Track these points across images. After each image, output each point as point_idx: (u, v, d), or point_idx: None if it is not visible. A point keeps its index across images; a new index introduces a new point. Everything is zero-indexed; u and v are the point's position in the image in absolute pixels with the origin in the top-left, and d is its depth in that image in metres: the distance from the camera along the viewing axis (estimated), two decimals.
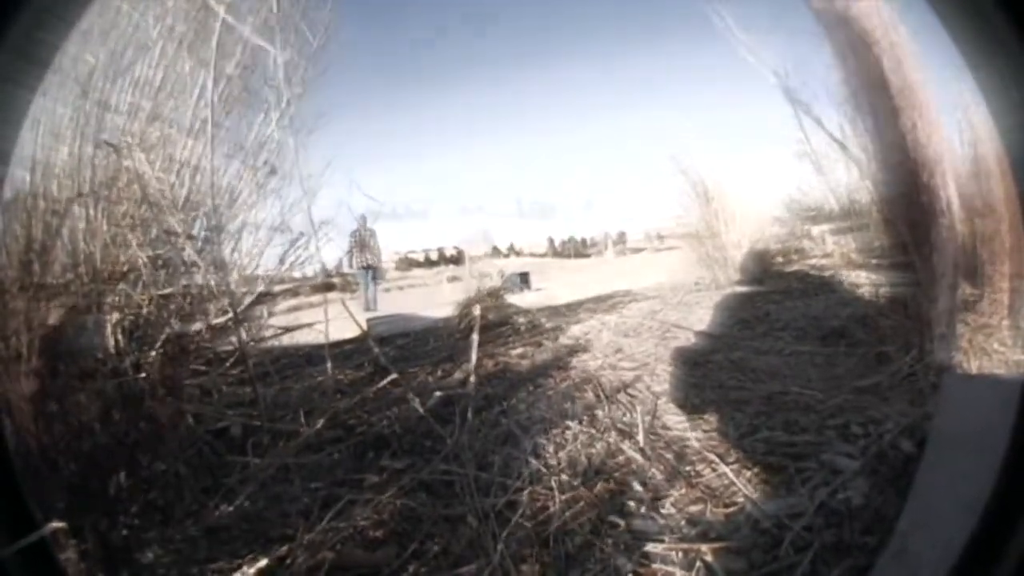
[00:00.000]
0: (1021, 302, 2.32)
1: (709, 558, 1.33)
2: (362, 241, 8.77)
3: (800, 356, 2.84)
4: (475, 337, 2.90)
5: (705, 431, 2.07)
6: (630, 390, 2.61)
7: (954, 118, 2.51)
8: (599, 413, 2.35)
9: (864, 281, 4.08)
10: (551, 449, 2.07)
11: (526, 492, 1.76)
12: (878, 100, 2.47)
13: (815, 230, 5.63)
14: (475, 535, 1.59)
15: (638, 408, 2.35)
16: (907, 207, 2.41)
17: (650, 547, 1.42)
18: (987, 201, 2.38)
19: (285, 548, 1.59)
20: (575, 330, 4.10)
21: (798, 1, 2.69)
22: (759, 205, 5.74)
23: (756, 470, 1.71)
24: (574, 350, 3.48)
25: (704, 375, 2.72)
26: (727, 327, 3.68)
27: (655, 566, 1.35)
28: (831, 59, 2.66)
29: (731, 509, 1.53)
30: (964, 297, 2.37)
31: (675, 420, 2.22)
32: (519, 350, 3.64)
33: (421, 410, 2.07)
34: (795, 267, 5.35)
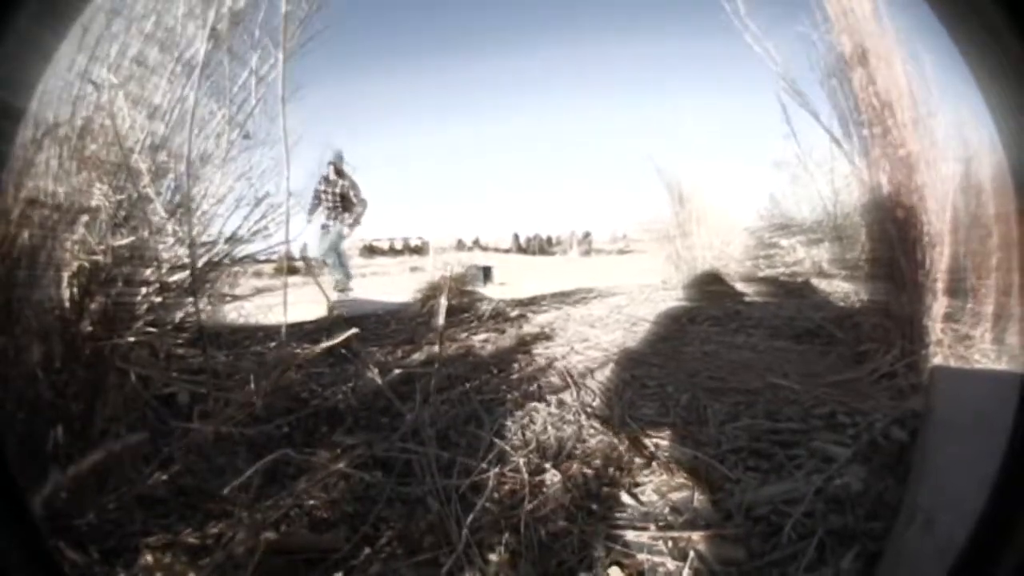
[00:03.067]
0: (1006, 319, 2.31)
1: (702, 547, 1.19)
2: (339, 191, 6.20)
3: (775, 352, 2.77)
4: (442, 304, 2.70)
5: (682, 417, 1.94)
6: (598, 376, 2.48)
7: (949, 132, 2.48)
8: (567, 397, 2.20)
9: (836, 289, 4.10)
10: (517, 430, 1.90)
11: (492, 473, 1.58)
12: (873, 104, 2.45)
13: (785, 241, 5.68)
14: (436, 519, 1.40)
15: (609, 393, 2.22)
16: (897, 209, 2.38)
17: (633, 535, 1.27)
18: (977, 215, 2.39)
19: (222, 525, 1.37)
20: (540, 319, 3.95)
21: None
22: (732, 210, 5.75)
23: (742, 456, 1.59)
24: (539, 337, 3.33)
25: (676, 366, 2.61)
26: (697, 323, 3.60)
27: (641, 556, 1.19)
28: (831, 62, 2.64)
29: (718, 495, 1.40)
30: (946, 308, 2.35)
31: (649, 407, 2.09)
32: (482, 336, 3.47)
33: (379, 380, 1.86)
34: (765, 273, 5.36)
